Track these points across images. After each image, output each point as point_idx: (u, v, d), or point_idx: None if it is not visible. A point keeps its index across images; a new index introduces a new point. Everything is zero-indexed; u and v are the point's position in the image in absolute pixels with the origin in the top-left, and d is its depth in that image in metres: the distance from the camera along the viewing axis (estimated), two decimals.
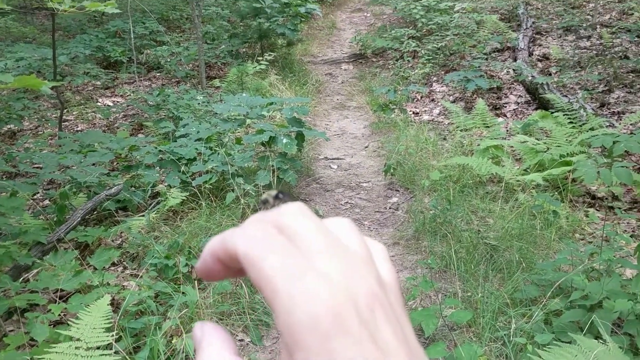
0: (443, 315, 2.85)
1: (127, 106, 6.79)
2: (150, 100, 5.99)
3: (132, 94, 7.12)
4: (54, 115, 6.38)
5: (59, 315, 2.84)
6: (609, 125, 5.20)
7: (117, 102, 7.17)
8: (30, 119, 6.32)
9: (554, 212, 3.71)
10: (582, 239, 3.78)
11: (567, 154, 4.48)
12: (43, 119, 6.35)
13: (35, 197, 4.47)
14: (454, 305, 2.98)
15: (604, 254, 2.83)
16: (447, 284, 3.39)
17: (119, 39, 8.59)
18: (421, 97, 7.15)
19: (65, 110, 5.92)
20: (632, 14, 8.42)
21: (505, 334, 2.71)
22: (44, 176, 3.93)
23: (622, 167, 3.39)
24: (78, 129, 6.33)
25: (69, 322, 2.40)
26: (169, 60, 8.02)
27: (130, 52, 7.70)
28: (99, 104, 7.14)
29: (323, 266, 0.28)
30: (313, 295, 0.27)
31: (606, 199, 4.33)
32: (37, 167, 4.32)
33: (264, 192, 0.38)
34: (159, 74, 8.17)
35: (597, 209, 4.20)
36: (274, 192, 0.38)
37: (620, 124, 5.28)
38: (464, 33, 8.24)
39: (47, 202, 4.42)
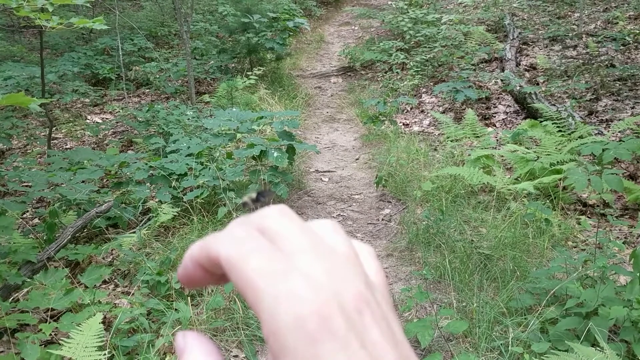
0: (439, 326, 2.84)
1: (117, 123, 6.76)
2: (140, 116, 5.97)
3: (121, 111, 7.09)
4: (42, 134, 6.34)
5: (50, 334, 2.80)
6: (598, 133, 5.24)
7: (106, 119, 7.13)
8: (18, 138, 6.27)
9: (546, 221, 3.72)
10: (575, 247, 3.79)
11: (557, 162, 4.50)
12: (32, 137, 6.31)
13: (24, 215, 4.43)
14: (450, 316, 2.97)
15: (598, 261, 2.83)
16: (442, 295, 3.38)
17: (108, 56, 8.58)
18: (411, 109, 7.18)
19: (54, 128, 5.89)
20: (617, 22, 8.53)
21: (501, 344, 2.70)
22: (33, 194, 3.89)
23: (612, 174, 3.42)
24: (67, 146, 6.29)
25: (60, 342, 2.37)
26: (158, 76, 8.01)
27: (119, 68, 7.69)
28: (87, 121, 7.10)
29: (307, 267, 0.28)
30: (298, 296, 0.26)
31: (597, 206, 4.35)
32: (26, 186, 4.28)
33: (244, 195, 0.37)
34: (148, 90, 8.15)
35: (589, 216, 4.21)
36: (254, 194, 0.36)
37: (608, 131, 5.32)
38: (451, 44, 8.31)
39: (36, 220, 4.38)
